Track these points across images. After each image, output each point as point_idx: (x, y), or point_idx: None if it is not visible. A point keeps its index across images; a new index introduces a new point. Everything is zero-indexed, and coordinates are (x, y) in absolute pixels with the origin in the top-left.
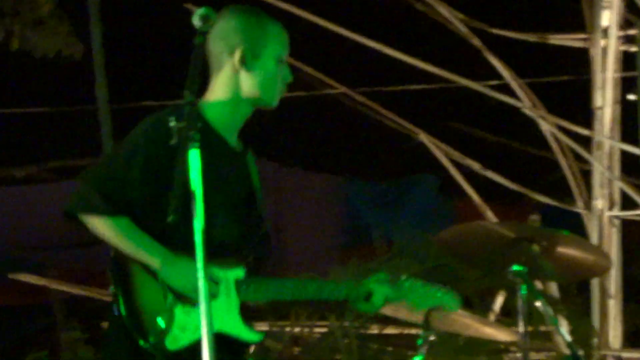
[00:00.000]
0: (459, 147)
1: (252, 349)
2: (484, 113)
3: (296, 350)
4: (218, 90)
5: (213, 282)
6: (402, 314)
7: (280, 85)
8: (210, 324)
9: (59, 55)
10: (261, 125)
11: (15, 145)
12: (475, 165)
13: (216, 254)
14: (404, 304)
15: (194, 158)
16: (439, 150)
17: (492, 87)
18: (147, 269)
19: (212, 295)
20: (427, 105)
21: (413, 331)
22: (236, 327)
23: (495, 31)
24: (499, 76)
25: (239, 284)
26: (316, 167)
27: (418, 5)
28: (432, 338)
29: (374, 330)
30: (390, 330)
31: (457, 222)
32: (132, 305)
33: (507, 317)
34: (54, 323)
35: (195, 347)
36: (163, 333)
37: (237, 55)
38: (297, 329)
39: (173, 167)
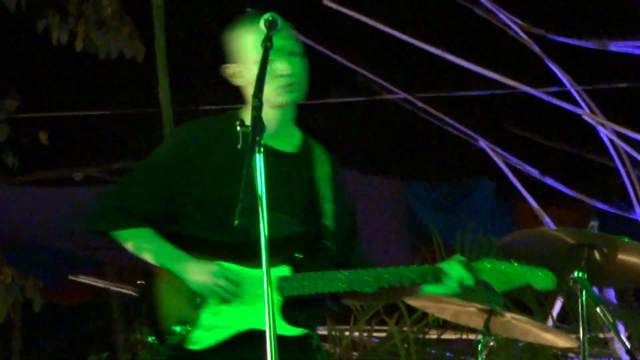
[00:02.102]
0: (517, 153)
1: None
2: (543, 119)
3: (355, 354)
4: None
5: (232, 281)
6: (462, 319)
7: (277, 81)
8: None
9: (121, 56)
10: (322, 129)
11: (77, 147)
12: (534, 171)
13: (256, 253)
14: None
15: (260, 162)
16: (498, 156)
17: (552, 94)
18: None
19: (234, 296)
20: (487, 110)
21: (472, 336)
22: (276, 325)
23: (554, 37)
24: (559, 82)
25: (280, 281)
26: (375, 170)
27: (478, 11)
28: (491, 343)
29: (433, 335)
30: (449, 335)
31: (515, 227)
32: (154, 310)
33: (563, 323)
34: (113, 324)
35: (227, 345)
36: (184, 332)
37: (227, 71)
38: (355, 333)
39: (201, 172)
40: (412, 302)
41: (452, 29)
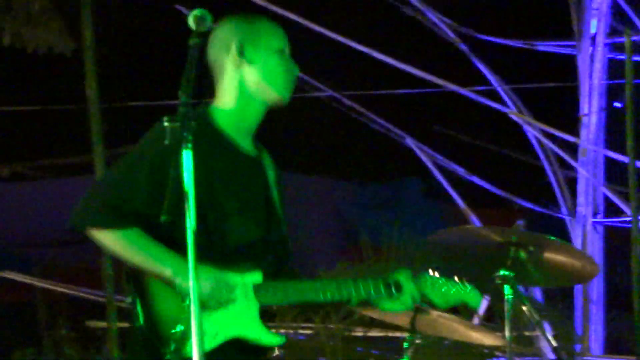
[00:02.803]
0: (445, 152)
1: (274, 352)
2: (470, 118)
3: (281, 351)
4: (225, 94)
5: (229, 289)
6: (388, 316)
7: (287, 76)
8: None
9: (50, 51)
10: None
11: (2, 143)
12: (461, 170)
13: (233, 258)
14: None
15: (187, 159)
16: (425, 155)
17: (480, 93)
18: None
19: (230, 301)
20: (414, 109)
21: (398, 334)
22: (256, 332)
23: (483, 37)
24: (486, 81)
25: (257, 288)
26: (304, 169)
27: (407, 10)
28: (418, 341)
29: (359, 332)
30: (375, 333)
31: (443, 226)
32: (150, 314)
33: (489, 321)
34: (38, 321)
35: (214, 353)
36: (183, 340)
37: (234, 46)
38: (282, 331)
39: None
40: None
41: (380, 27)
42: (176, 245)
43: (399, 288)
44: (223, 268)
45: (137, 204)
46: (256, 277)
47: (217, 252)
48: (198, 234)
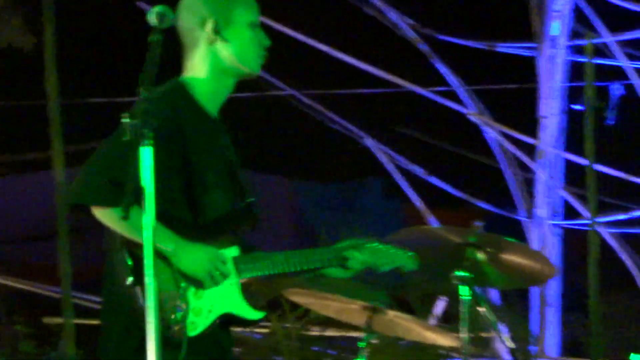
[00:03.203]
0: (404, 152)
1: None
2: (430, 119)
3: (237, 350)
4: (198, 67)
5: (222, 263)
6: (344, 316)
7: (258, 50)
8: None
9: (9, 47)
10: None
11: None
12: (420, 171)
13: (212, 232)
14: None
15: (147, 155)
16: (385, 155)
17: (439, 93)
18: (159, 255)
19: (224, 276)
20: (374, 109)
21: (354, 334)
22: (240, 307)
23: (443, 37)
24: (446, 82)
25: (237, 262)
26: (263, 168)
27: (368, 9)
28: (374, 341)
29: (315, 332)
30: (331, 333)
31: (402, 226)
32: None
33: (446, 322)
34: None
35: (209, 332)
36: (183, 319)
37: (209, 25)
38: (238, 329)
39: (174, 151)
40: (295, 298)
41: (340, 26)
42: (175, 221)
43: (345, 259)
44: (206, 243)
45: (138, 181)
46: (234, 250)
47: (199, 227)
48: (182, 210)
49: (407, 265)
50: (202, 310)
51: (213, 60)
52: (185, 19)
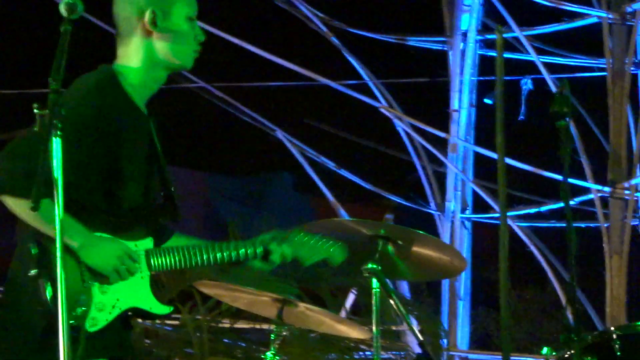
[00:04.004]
0: (315, 145)
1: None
2: (341, 112)
3: (147, 342)
4: (131, 56)
5: (134, 261)
6: (255, 308)
7: (193, 45)
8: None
9: None
10: None
11: None
12: (331, 164)
13: (128, 223)
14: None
15: (57, 147)
16: (296, 148)
17: (351, 86)
18: (67, 249)
19: (131, 273)
20: (286, 102)
21: (265, 326)
22: (148, 302)
23: (354, 31)
24: (358, 75)
25: (148, 255)
26: (175, 160)
27: (279, 2)
28: (285, 333)
29: (226, 324)
30: (242, 325)
31: (312, 219)
32: (56, 289)
33: (357, 315)
34: None
35: (111, 327)
36: (84, 314)
37: (147, 17)
38: (148, 321)
39: (98, 140)
40: (206, 290)
41: (252, 19)
42: (90, 210)
43: (267, 252)
44: (119, 234)
45: (49, 173)
46: (148, 243)
47: (114, 218)
48: (98, 200)
49: (334, 256)
50: (106, 305)
51: (147, 51)
52: (122, 7)
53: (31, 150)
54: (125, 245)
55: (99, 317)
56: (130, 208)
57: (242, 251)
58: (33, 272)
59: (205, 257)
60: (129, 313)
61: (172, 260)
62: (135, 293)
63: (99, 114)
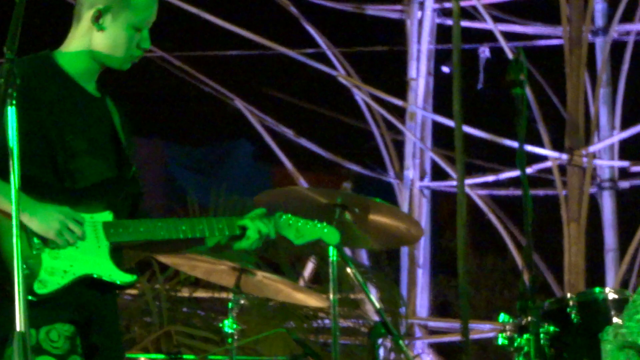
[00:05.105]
0: (274, 114)
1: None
2: (299, 81)
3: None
4: (74, 41)
5: (78, 223)
6: (213, 277)
7: (131, 51)
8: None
9: None
10: None
11: None
12: (290, 132)
13: (83, 198)
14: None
15: (12, 116)
16: (254, 117)
17: (309, 55)
18: (9, 216)
19: (79, 238)
20: (244, 71)
21: (224, 295)
22: (107, 270)
23: (313, 0)
24: (316, 44)
25: (107, 227)
26: (134, 130)
27: None
28: (242, 302)
29: (185, 293)
30: (200, 294)
31: (272, 188)
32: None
33: (315, 283)
34: None
35: (66, 290)
36: (30, 278)
37: (92, 12)
38: None
39: (35, 108)
40: (164, 259)
41: None
42: (40, 185)
43: (244, 229)
44: (73, 208)
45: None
46: (106, 216)
47: (66, 192)
48: (47, 174)
49: (326, 238)
50: (57, 270)
51: (87, 42)
52: None
53: None
54: (69, 210)
55: (49, 280)
56: (88, 184)
57: (209, 226)
58: None
59: (172, 230)
60: (88, 281)
61: (131, 232)
62: (92, 261)
63: (24, 88)
